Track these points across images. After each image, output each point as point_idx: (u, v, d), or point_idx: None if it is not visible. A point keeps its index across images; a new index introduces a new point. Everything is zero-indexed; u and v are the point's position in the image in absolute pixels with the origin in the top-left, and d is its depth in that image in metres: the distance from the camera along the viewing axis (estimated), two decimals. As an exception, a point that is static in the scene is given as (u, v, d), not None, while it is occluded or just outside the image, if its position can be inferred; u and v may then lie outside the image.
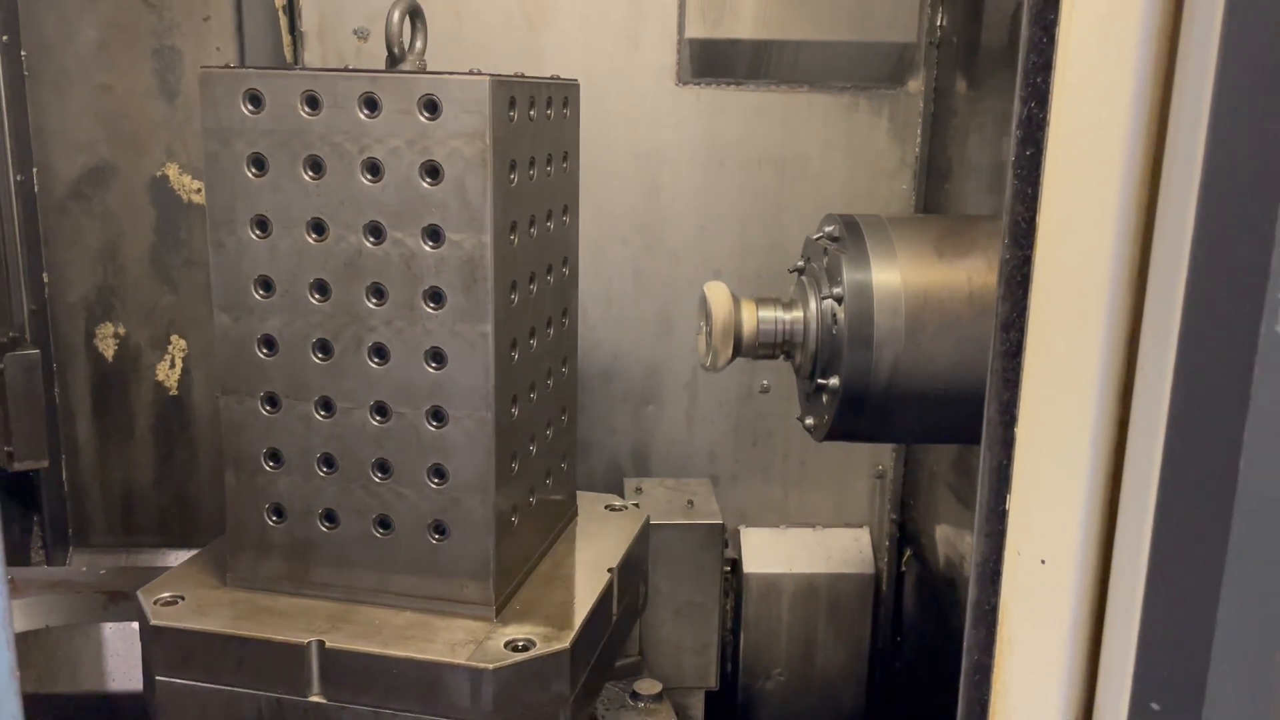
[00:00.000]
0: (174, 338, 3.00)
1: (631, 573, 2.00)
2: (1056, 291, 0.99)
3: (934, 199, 2.72)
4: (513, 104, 1.63)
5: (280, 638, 1.65)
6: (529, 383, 1.81)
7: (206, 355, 3.00)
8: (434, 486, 1.68)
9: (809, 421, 1.92)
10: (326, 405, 1.71)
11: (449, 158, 1.56)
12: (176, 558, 3.34)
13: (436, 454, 1.67)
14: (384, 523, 1.72)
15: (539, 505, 1.90)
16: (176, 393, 3.03)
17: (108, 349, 2.99)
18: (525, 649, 1.62)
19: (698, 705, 2.56)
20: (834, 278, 1.79)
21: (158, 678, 1.71)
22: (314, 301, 1.68)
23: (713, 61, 2.64)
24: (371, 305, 1.65)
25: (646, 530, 2.08)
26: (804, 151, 2.72)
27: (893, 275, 1.75)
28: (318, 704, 1.63)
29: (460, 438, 1.65)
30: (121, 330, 2.98)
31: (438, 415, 1.66)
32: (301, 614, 1.73)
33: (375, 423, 1.69)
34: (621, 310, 2.68)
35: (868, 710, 2.89)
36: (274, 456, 1.77)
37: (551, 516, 1.99)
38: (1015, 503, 1.02)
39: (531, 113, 1.71)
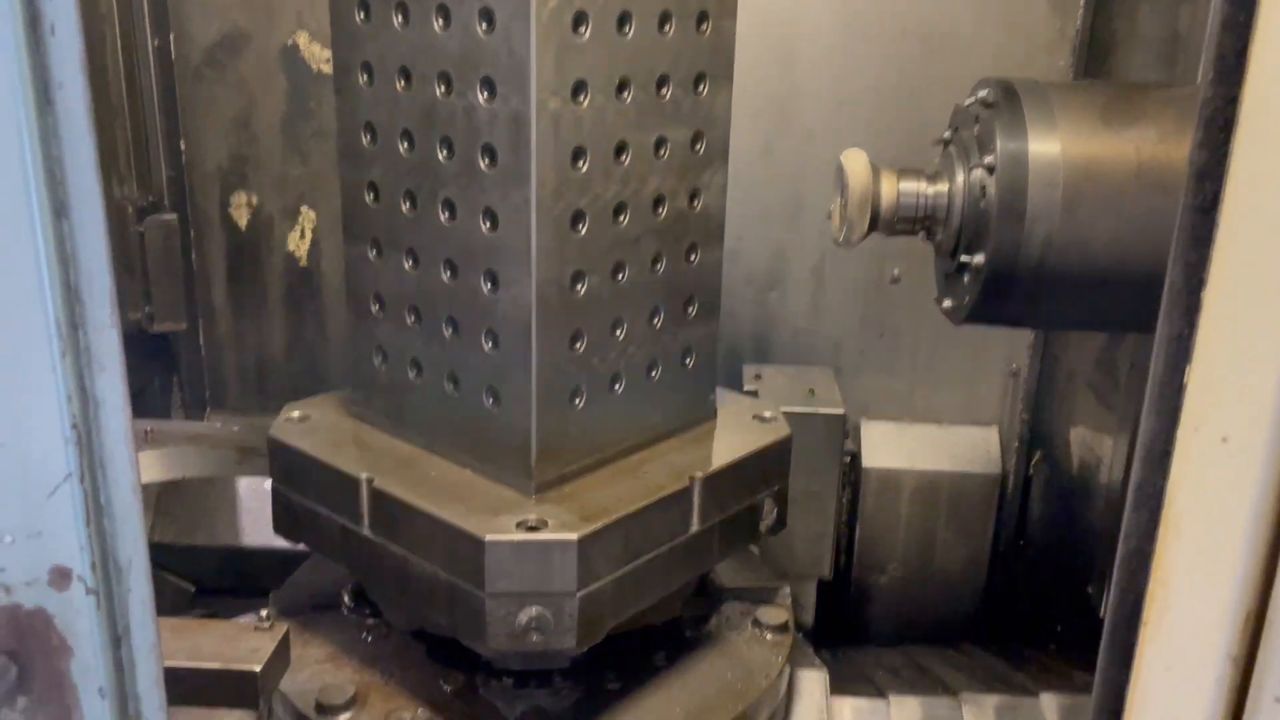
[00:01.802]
0: (304, 209, 3.03)
1: (739, 488, 1.85)
2: (1267, 136, 0.87)
3: (1095, 76, 2.51)
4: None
5: (344, 469, 1.72)
6: (613, 263, 1.68)
7: (335, 227, 3.03)
8: (487, 351, 1.65)
9: (947, 303, 1.81)
10: (413, 256, 1.72)
11: (500, 3, 1.47)
12: (305, 424, 3.47)
13: (490, 318, 1.63)
14: (454, 379, 1.73)
15: (630, 396, 1.79)
16: (306, 264, 3.08)
17: (241, 217, 3.04)
18: (534, 530, 1.54)
19: (809, 594, 2.53)
20: (986, 146, 1.65)
21: (275, 485, 1.87)
22: (402, 151, 1.67)
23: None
24: (442, 159, 1.61)
25: (786, 447, 1.94)
26: (953, 22, 2.52)
27: (1051, 145, 1.60)
28: (367, 538, 1.70)
29: (509, 306, 1.59)
30: (254, 199, 3.02)
31: (493, 279, 1.61)
32: (382, 452, 1.79)
33: (446, 279, 1.67)
34: (750, 189, 2.58)
35: (984, 611, 2.82)
36: (379, 300, 1.82)
37: (658, 412, 1.87)
38: (1195, 375, 0.92)
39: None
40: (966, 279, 1.71)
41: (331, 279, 3.08)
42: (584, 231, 1.62)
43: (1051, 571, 2.80)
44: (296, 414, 1.95)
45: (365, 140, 1.73)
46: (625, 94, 1.61)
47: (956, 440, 2.74)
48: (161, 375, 3.07)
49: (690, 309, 1.87)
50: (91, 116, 0.76)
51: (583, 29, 1.51)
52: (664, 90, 1.67)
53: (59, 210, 0.79)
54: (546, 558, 1.53)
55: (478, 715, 1.73)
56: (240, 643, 1.43)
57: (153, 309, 2.91)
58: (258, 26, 2.86)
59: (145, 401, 3.02)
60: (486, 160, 1.56)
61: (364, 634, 1.92)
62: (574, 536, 1.54)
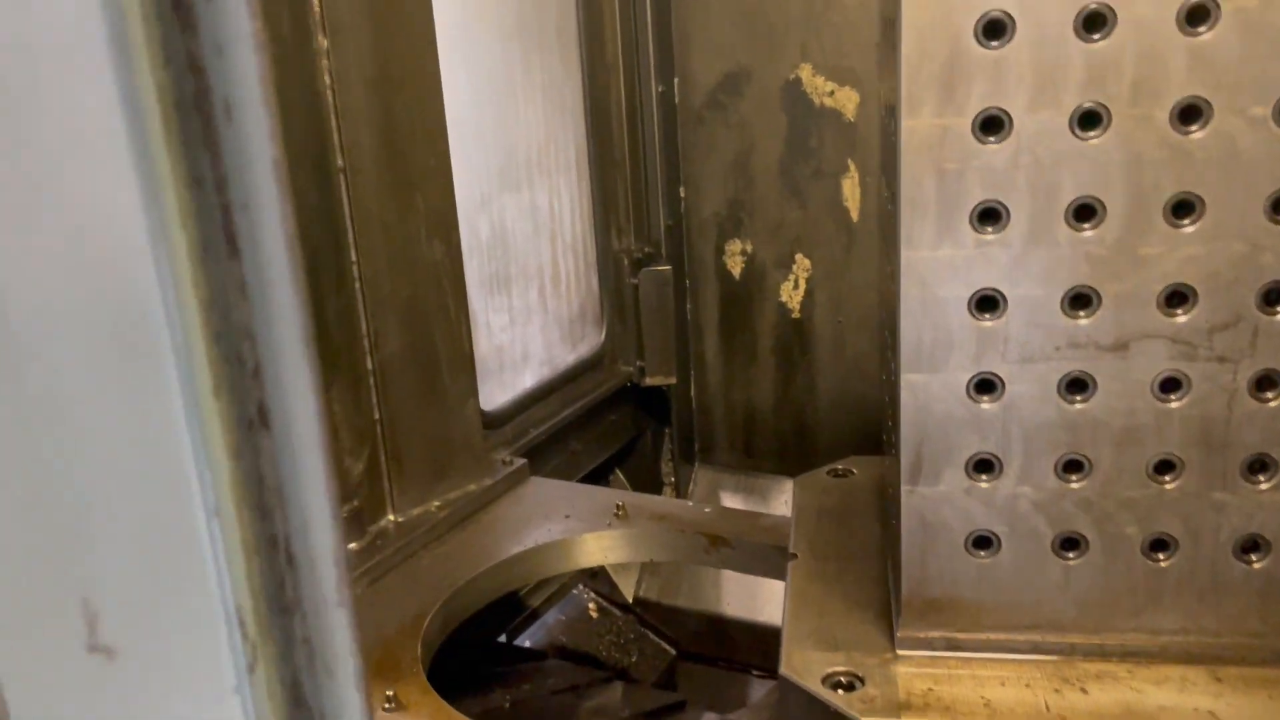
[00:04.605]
0: (798, 256, 2.77)
1: None
2: None
3: None
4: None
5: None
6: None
7: (830, 276, 2.74)
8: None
9: None
10: None
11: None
12: (790, 488, 3.23)
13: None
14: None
15: None
16: (799, 315, 2.82)
17: (735, 266, 2.86)
18: None
19: None
20: None
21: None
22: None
23: None
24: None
25: None
26: None
27: None
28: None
29: None
30: (749, 247, 2.83)
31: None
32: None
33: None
34: None
35: None
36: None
37: None
38: None
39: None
40: None
41: (825, 331, 2.80)
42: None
43: None
44: (839, 670, 1.31)
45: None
46: None
47: None
48: (653, 426, 3.00)
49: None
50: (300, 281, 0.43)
51: None
52: None
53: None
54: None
55: None
56: None
57: (645, 363, 2.83)
58: (760, 62, 2.65)
59: (637, 453, 2.97)
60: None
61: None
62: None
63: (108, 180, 0.32)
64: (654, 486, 3.02)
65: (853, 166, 2.63)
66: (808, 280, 2.79)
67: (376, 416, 1.88)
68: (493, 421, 2.24)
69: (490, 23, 2.26)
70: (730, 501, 3.08)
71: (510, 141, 2.36)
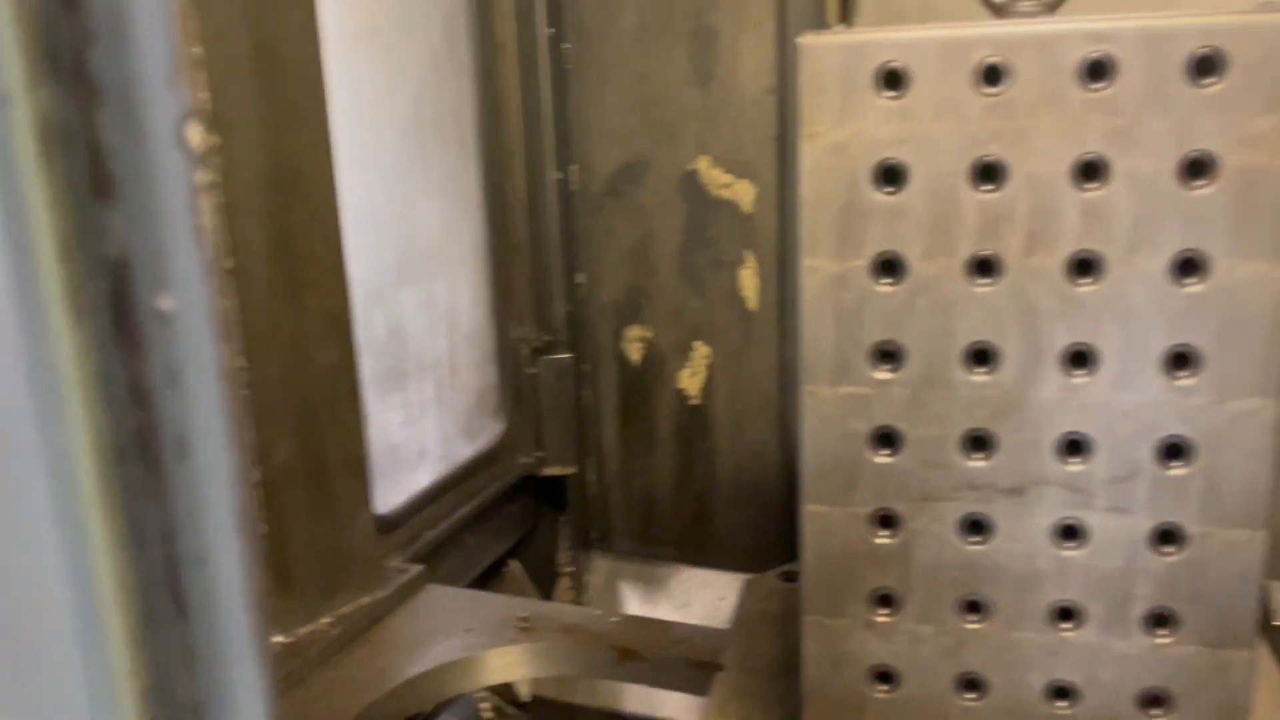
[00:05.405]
0: (697, 343, 2.76)
1: None
2: None
3: None
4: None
5: None
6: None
7: (729, 363, 2.74)
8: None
9: None
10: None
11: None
12: (690, 575, 3.18)
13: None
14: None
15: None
16: (698, 401, 2.80)
17: (634, 352, 2.82)
18: None
19: None
20: None
21: None
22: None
23: None
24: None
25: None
26: None
27: None
28: None
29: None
30: (648, 334, 2.80)
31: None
32: None
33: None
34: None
35: None
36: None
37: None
38: None
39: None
40: None
41: (723, 417, 2.78)
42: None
43: None
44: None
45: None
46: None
47: None
48: (550, 515, 2.92)
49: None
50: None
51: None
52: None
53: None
54: None
55: None
56: None
57: (544, 453, 2.76)
58: (658, 152, 2.65)
59: (534, 543, 2.88)
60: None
61: None
62: None
63: (22, 554, 0.25)
64: (551, 577, 2.93)
65: (750, 257, 2.64)
66: (707, 367, 2.78)
67: (264, 532, 1.75)
68: (387, 525, 2.12)
69: (388, 115, 2.19)
70: (629, 590, 3.01)
71: (408, 234, 2.28)
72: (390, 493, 2.19)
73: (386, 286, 2.21)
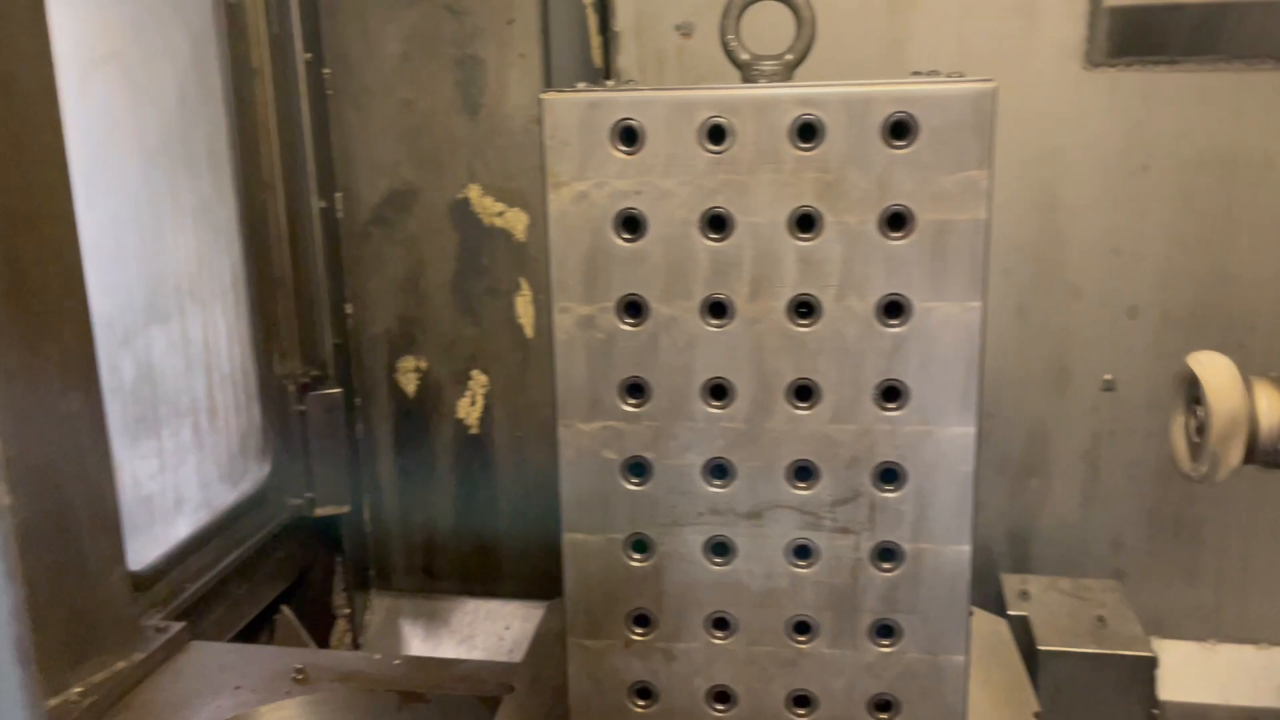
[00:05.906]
0: (475, 372, 2.76)
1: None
2: None
3: None
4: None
5: None
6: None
7: (508, 391, 2.75)
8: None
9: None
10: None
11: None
12: (475, 607, 3.16)
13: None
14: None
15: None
16: (477, 431, 2.79)
17: (409, 384, 2.79)
18: None
19: None
20: None
21: None
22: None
23: (1139, 34, 2.01)
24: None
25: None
26: (1263, 148, 2.02)
27: None
28: None
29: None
30: (423, 364, 2.77)
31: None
32: None
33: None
34: (1000, 359, 2.12)
35: None
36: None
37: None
38: None
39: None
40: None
41: (503, 446, 2.79)
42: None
43: None
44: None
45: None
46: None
47: (1280, 664, 2.15)
48: (324, 557, 2.82)
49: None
50: None
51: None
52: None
53: None
54: None
55: None
56: None
57: (315, 493, 2.67)
58: (427, 180, 2.63)
59: (307, 587, 2.77)
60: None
61: None
62: None
63: None
64: (326, 622, 2.83)
65: (525, 285, 2.67)
66: (485, 396, 2.78)
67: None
68: (143, 582, 1.99)
69: (133, 145, 2.07)
70: (411, 628, 2.95)
71: (158, 269, 2.16)
72: (146, 547, 2.06)
73: (135, 326, 2.08)
